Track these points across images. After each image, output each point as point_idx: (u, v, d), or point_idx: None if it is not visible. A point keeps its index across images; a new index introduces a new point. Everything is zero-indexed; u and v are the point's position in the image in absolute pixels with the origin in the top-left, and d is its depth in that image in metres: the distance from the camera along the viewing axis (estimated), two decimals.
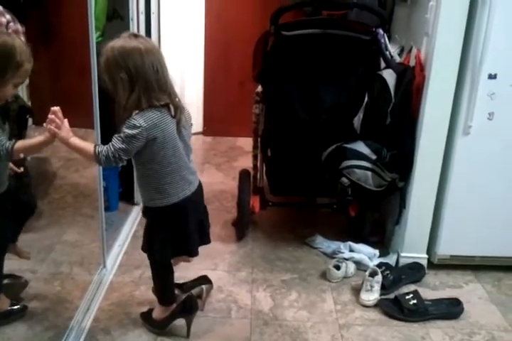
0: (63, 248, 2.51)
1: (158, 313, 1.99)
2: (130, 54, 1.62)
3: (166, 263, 1.93)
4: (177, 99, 1.74)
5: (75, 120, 1.85)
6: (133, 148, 1.66)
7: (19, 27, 2.64)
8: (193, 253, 1.91)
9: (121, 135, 1.65)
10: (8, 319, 2.00)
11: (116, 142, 1.65)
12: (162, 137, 1.68)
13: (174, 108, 1.70)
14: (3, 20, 2.55)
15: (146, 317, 2.02)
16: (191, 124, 1.86)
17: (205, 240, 1.97)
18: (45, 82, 3.78)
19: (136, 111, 1.66)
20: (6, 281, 2.06)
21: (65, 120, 1.68)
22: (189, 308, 1.97)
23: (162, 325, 1.98)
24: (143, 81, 1.63)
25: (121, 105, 1.67)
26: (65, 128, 1.68)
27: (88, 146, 1.70)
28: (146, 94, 1.65)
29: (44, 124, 1.68)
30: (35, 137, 1.76)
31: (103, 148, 1.66)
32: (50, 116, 1.66)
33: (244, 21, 3.79)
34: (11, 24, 2.58)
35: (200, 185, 1.90)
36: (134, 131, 1.63)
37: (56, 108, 1.66)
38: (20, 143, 1.73)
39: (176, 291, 2.08)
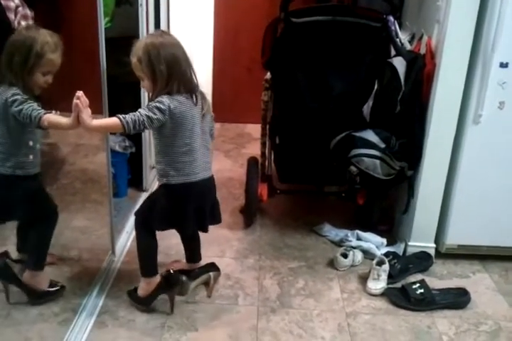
0: (72, 234, 2.53)
1: (141, 288, 2.05)
2: (166, 48, 1.85)
3: (153, 232, 2.04)
4: (199, 89, 1.95)
5: None
6: (156, 119, 1.83)
7: (28, 12, 2.64)
8: (184, 231, 2.10)
9: (149, 106, 1.85)
10: (45, 299, 2.05)
11: (143, 110, 1.84)
12: (181, 118, 1.87)
13: (196, 96, 1.91)
14: (12, 4, 2.55)
15: (132, 294, 2.08)
16: (212, 116, 2.05)
17: (202, 227, 2.08)
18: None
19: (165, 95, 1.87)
20: (20, 265, 2.09)
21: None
22: (170, 284, 2.02)
23: (146, 301, 2.04)
24: (175, 71, 1.86)
25: (155, 91, 1.88)
26: (88, 113, 1.77)
27: (111, 120, 1.84)
28: (176, 83, 1.86)
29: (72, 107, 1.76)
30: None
31: (127, 116, 1.82)
32: (75, 100, 1.74)
33: (254, 7, 3.75)
34: (20, 9, 2.58)
35: (211, 179, 2.03)
36: (159, 104, 1.83)
37: (80, 93, 1.75)
38: (50, 115, 1.80)
39: (184, 278, 2.10)
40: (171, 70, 1.85)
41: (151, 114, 1.82)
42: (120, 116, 1.81)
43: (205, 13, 3.88)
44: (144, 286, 2.04)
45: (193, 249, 2.24)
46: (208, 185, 2.02)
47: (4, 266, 2.01)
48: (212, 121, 2.06)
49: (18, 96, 1.83)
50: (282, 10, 2.31)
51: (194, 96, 1.91)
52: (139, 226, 2.05)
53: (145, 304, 2.04)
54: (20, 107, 1.81)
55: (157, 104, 1.83)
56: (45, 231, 2.06)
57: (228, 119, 4.05)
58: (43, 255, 2.07)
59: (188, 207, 1.98)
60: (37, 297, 2.03)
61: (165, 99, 1.84)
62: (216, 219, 2.12)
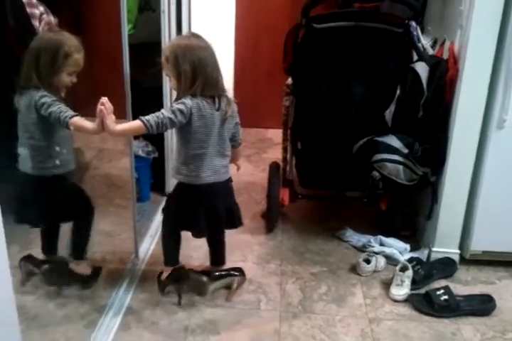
0: (97, 237, 2.54)
1: (163, 275, 2.15)
2: (193, 50, 1.89)
3: (170, 231, 2.14)
4: (225, 93, 1.98)
5: None
6: (177, 120, 1.87)
7: (52, 19, 2.69)
8: (195, 234, 2.11)
9: (172, 107, 1.90)
10: (93, 282, 2.21)
11: (165, 111, 1.88)
12: (200, 121, 1.91)
13: (219, 100, 1.94)
14: (37, 12, 2.60)
15: (158, 276, 2.18)
16: (237, 122, 2.08)
17: (216, 230, 2.12)
18: (79, 73, 3.83)
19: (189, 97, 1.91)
20: (47, 266, 2.18)
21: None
22: (177, 278, 2.13)
23: (160, 287, 2.17)
24: (200, 74, 1.89)
25: (180, 91, 1.93)
26: (112, 118, 1.80)
27: (135, 123, 1.88)
28: (201, 85, 1.89)
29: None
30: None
31: (150, 118, 1.86)
32: (100, 106, 1.78)
33: (275, 12, 3.77)
34: (44, 16, 2.63)
35: (224, 183, 2.05)
36: (181, 106, 1.88)
37: (104, 99, 1.79)
38: (77, 120, 1.85)
39: (204, 278, 2.15)
40: (196, 72, 1.88)
41: (172, 116, 1.86)
42: (143, 118, 1.85)
43: (227, 19, 3.90)
44: (165, 274, 2.15)
45: (216, 252, 2.25)
46: (219, 189, 2.04)
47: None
48: (236, 127, 2.08)
49: (47, 98, 1.88)
50: (304, 16, 2.32)
51: (218, 101, 1.93)
52: (163, 221, 2.17)
53: (160, 289, 2.17)
54: (50, 110, 1.86)
55: (179, 106, 1.87)
56: (86, 226, 2.21)
57: (249, 124, 4.03)
58: (86, 246, 2.24)
59: (198, 207, 2.02)
60: (86, 281, 2.19)
61: (188, 101, 1.88)
62: (233, 224, 2.13)
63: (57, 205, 2.04)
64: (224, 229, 2.15)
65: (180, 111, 1.87)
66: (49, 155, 1.99)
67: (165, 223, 2.16)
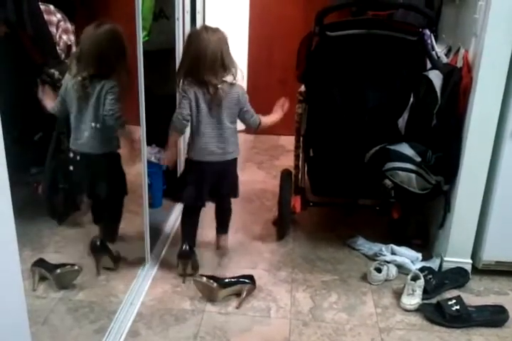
0: (108, 243, 2.57)
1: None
2: (195, 41, 2.17)
3: (186, 207, 2.46)
4: (221, 81, 2.20)
5: None
6: (184, 110, 2.21)
7: (69, 26, 2.73)
8: (198, 202, 2.39)
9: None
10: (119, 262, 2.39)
11: (177, 109, 2.24)
12: (194, 102, 2.21)
13: (208, 88, 2.18)
14: (54, 19, 2.64)
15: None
16: (236, 106, 2.28)
17: (218, 198, 2.45)
18: None
19: (187, 81, 2.22)
20: (59, 270, 2.19)
21: None
22: (181, 255, 2.32)
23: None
24: (195, 62, 2.17)
25: (180, 69, 2.26)
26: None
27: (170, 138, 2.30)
28: (195, 68, 2.17)
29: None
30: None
31: (173, 117, 2.23)
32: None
33: (287, 20, 3.78)
34: (62, 23, 2.67)
35: (225, 163, 2.32)
36: (181, 98, 2.23)
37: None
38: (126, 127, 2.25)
39: (214, 285, 2.16)
40: (191, 60, 2.17)
41: (179, 110, 2.21)
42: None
43: (240, 26, 3.93)
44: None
45: (221, 222, 2.55)
46: (219, 168, 2.32)
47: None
48: (245, 113, 2.32)
49: (115, 90, 2.20)
50: (317, 23, 2.32)
51: (209, 88, 2.17)
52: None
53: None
54: (114, 104, 2.20)
55: (179, 99, 2.23)
56: (118, 207, 2.50)
57: (262, 131, 4.04)
58: (117, 228, 2.52)
59: (202, 180, 2.32)
60: (117, 261, 2.37)
61: (183, 88, 2.21)
62: (233, 193, 2.44)
63: (109, 179, 2.36)
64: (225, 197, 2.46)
65: (180, 102, 2.24)
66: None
67: (177, 194, 2.43)
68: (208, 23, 3.26)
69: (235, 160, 2.37)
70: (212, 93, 2.18)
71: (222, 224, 2.56)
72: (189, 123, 2.25)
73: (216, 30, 2.20)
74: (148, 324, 2.04)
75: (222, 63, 2.17)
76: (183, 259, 2.31)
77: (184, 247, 2.31)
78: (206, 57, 2.14)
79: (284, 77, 3.34)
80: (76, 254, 2.41)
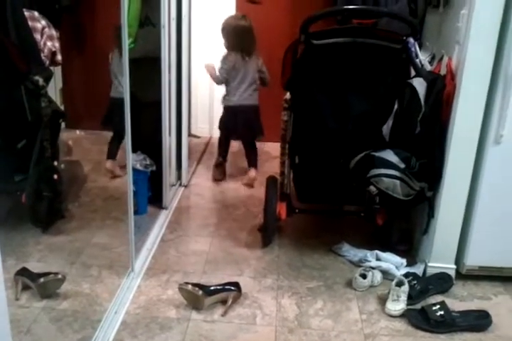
0: (93, 251, 2.56)
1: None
2: (227, 25, 3.31)
3: (222, 134, 3.56)
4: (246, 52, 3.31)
5: None
6: (224, 69, 3.31)
7: (54, 32, 2.72)
8: (239, 137, 3.53)
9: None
10: None
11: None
12: (230, 65, 3.29)
13: (243, 54, 3.30)
14: (39, 25, 2.63)
15: None
16: (258, 69, 3.37)
17: (245, 137, 3.49)
18: (78, 86, 3.86)
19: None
20: (42, 279, 2.15)
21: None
22: (216, 164, 3.51)
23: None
24: (230, 39, 3.32)
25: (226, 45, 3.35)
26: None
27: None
28: (231, 44, 3.32)
29: None
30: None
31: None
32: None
33: (273, 28, 3.80)
34: (46, 29, 2.67)
35: (250, 106, 3.37)
36: (222, 59, 3.33)
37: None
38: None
39: (200, 292, 2.14)
40: (227, 38, 3.31)
41: (220, 65, 3.30)
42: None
43: None
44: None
45: (249, 156, 3.48)
46: (245, 109, 3.33)
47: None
48: (259, 69, 3.37)
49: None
50: (302, 32, 2.34)
51: (243, 54, 3.28)
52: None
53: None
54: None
55: (221, 59, 3.31)
56: None
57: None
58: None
59: (234, 121, 3.36)
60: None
61: (226, 55, 3.32)
62: (259, 132, 3.41)
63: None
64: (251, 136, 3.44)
65: (221, 61, 3.36)
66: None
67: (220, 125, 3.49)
68: (193, 31, 3.30)
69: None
70: (249, 58, 3.34)
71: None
72: None
73: (241, 18, 3.32)
74: (133, 333, 2.02)
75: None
76: (218, 167, 3.44)
77: (220, 159, 3.46)
78: (232, 36, 3.33)
79: (270, 84, 3.37)
80: (60, 263, 2.39)
